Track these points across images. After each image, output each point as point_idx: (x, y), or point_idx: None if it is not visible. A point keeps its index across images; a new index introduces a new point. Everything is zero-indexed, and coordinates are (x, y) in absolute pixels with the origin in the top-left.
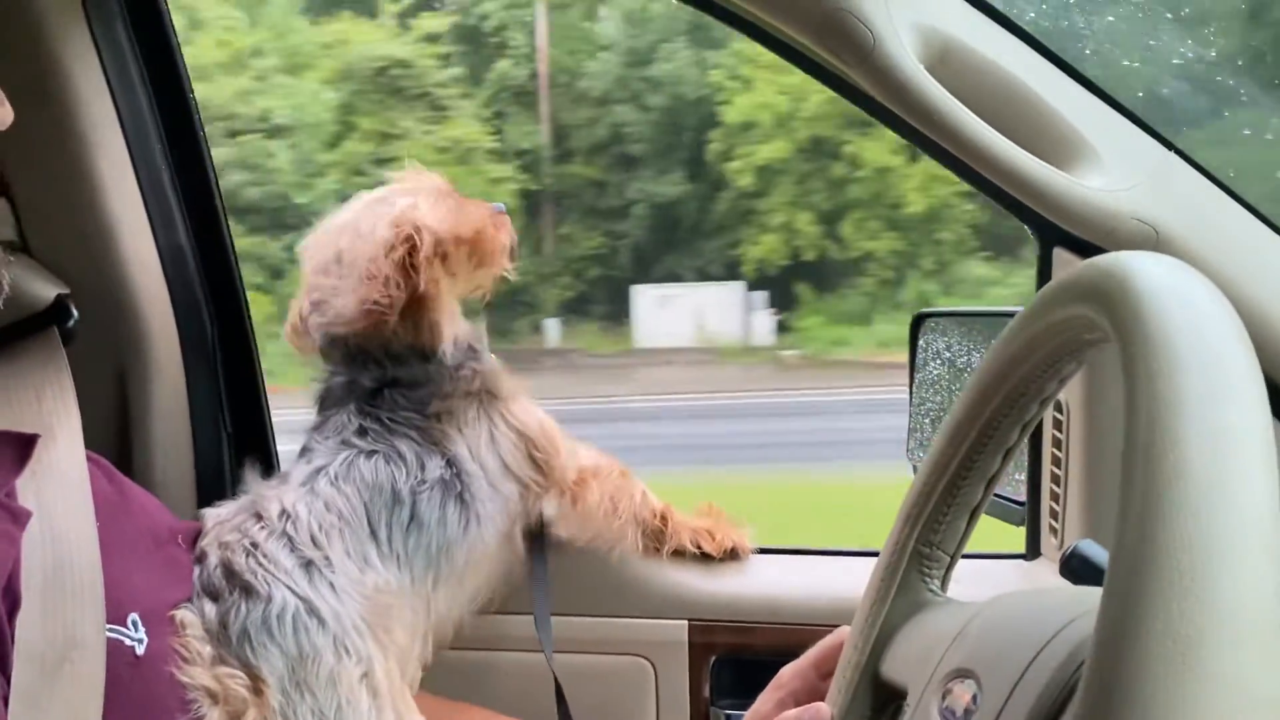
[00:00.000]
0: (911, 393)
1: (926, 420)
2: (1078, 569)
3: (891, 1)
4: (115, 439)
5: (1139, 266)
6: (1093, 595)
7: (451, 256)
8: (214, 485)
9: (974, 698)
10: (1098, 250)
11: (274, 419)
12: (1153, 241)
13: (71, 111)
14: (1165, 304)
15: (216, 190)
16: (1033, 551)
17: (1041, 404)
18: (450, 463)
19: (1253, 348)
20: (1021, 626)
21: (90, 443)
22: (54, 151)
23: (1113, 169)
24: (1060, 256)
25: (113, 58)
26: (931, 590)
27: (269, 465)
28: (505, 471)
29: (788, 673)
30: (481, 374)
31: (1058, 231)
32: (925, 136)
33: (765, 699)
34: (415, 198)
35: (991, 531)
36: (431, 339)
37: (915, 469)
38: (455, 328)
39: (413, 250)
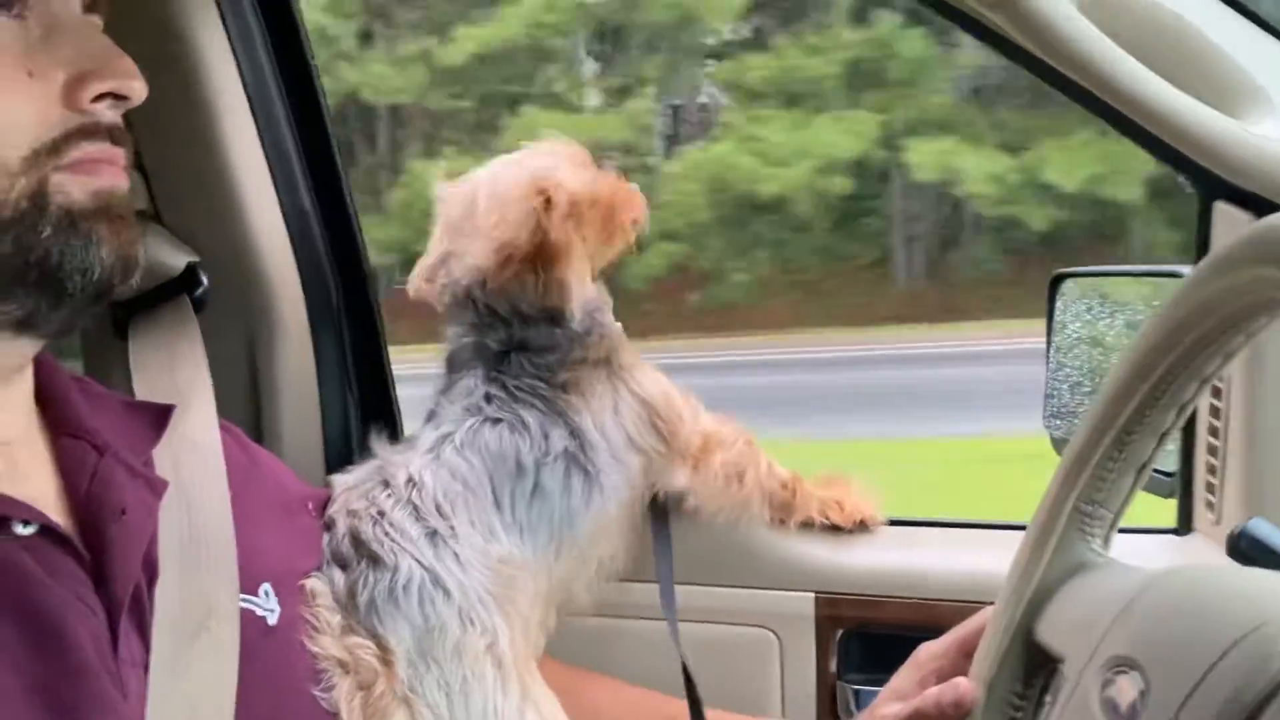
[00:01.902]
0: (1049, 357)
1: (1064, 387)
2: (1248, 550)
3: None
4: (245, 405)
5: None
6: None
7: (584, 218)
8: (341, 450)
9: (1141, 694)
10: (1267, 205)
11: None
12: None
13: (197, 78)
14: None
15: (337, 154)
16: (1185, 526)
17: (1225, 358)
18: (574, 434)
19: None
20: (1197, 619)
21: (220, 409)
22: (181, 119)
23: None
24: (1222, 211)
25: (237, 25)
26: (1093, 550)
27: (393, 429)
28: (629, 442)
29: (927, 652)
30: (608, 341)
31: (1220, 184)
32: (1075, 84)
33: (903, 677)
34: (554, 159)
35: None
36: (560, 298)
37: (1051, 438)
38: (584, 290)
39: (548, 203)
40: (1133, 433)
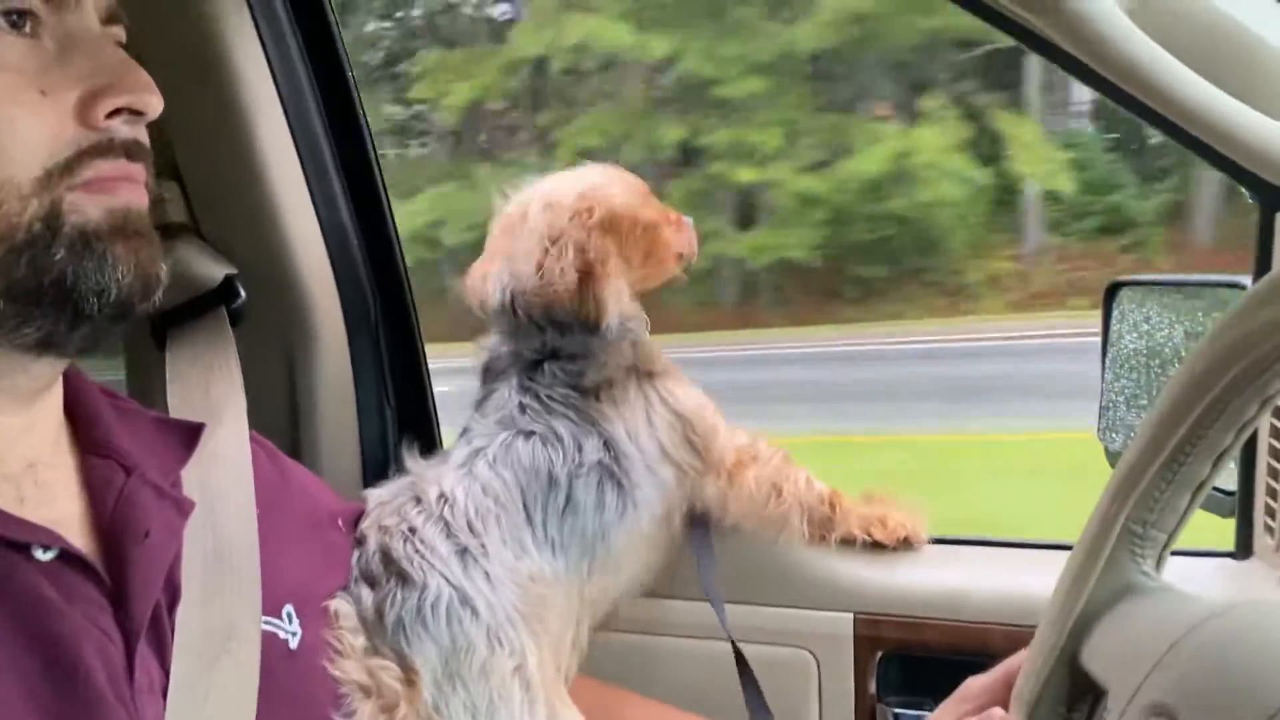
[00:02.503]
0: (1104, 368)
1: (1120, 399)
2: None
3: None
4: (282, 418)
5: None
6: None
7: (626, 236)
8: (379, 463)
9: None
10: None
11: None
12: None
13: (233, 90)
14: None
15: (376, 166)
16: (1244, 549)
17: None
18: (607, 445)
19: None
20: (1244, 677)
21: (257, 422)
22: (218, 131)
23: None
24: None
25: (271, 34)
26: (1144, 572)
27: (430, 442)
28: (662, 455)
29: (976, 685)
30: (639, 350)
31: None
32: (1124, 91)
33: (948, 710)
34: (609, 179)
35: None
36: (596, 312)
37: (1106, 450)
38: (620, 306)
39: (590, 214)
40: (1189, 452)
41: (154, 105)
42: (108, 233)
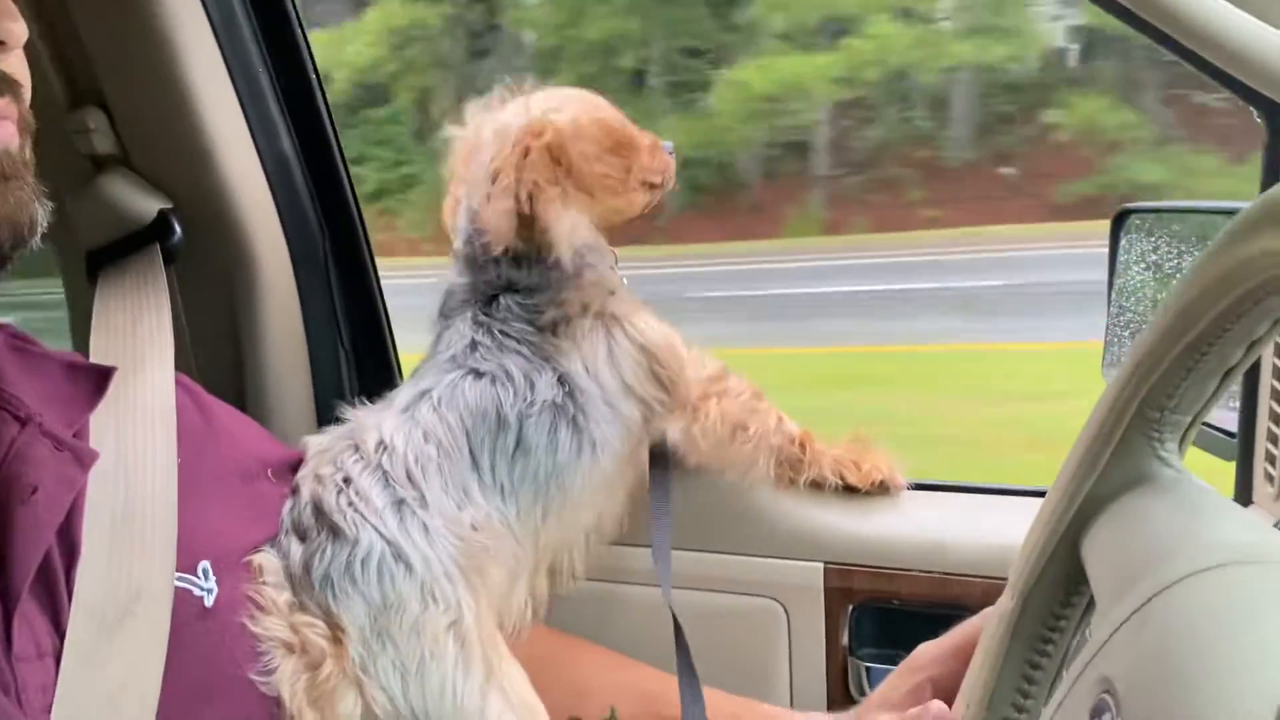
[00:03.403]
0: (1110, 299)
1: (1126, 333)
2: None
3: None
4: (227, 362)
5: None
6: None
7: (580, 166)
8: (334, 405)
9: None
10: None
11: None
12: None
13: (154, 11)
14: None
15: (320, 90)
16: (1243, 497)
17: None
18: (562, 380)
19: None
20: (1194, 682)
21: (201, 366)
22: (144, 56)
23: None
24: None
25: None
26: (1160, 456)
27: (390, 379)
28: (626, 390)
29: (926, 654)
30: (603, 285)
31: None
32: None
33: (896, 683)
34: (565, 101)
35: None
36: (546, 245)
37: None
38: (577, 236)
39: (531, 147)
40: (1220, 337)
41: (15, 34)
42: None
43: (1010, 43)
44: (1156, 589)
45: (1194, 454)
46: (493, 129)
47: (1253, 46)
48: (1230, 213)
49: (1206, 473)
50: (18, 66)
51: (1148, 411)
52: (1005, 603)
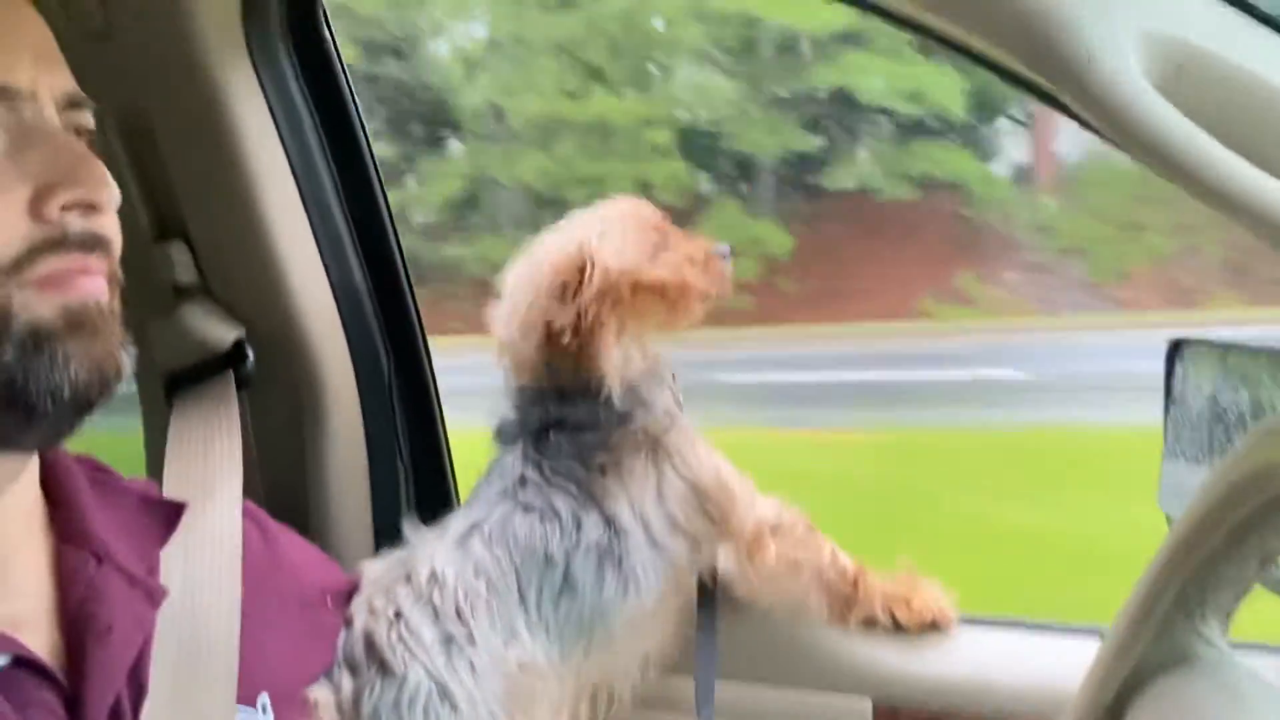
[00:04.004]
0: (1166, 430)
1: (1182, 463)
2: None
3: (1113, 5)
4: (292, 483)
5: None
6: None
7: (626, 301)
8: (392, 527)
9: None
10: None
11: None
12: None
13: (239, 151)
14: None
15: (390, 224)
16: None
17: None
18: (608, 522)
19: None
20: None
21: (264, 487)
22: (224, 191)
23: None
24: None
25: (278, 94)
26: (1201, 634)
27: (447, 503)
28: (672, 527)
29: None
30: (656, 419)
31: None
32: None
33: None
34: (609, 227)
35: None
36: (595, 374)
37: (1168, 519)
38: (625, 369)
39: (580, 283)
40: (1250, 531)
41: (107, 198)
42: (61, 330)
43: None
44: None
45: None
46: (529, 263)
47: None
48: None
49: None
50: (110, 226)
51: (1189, 592)
52: None
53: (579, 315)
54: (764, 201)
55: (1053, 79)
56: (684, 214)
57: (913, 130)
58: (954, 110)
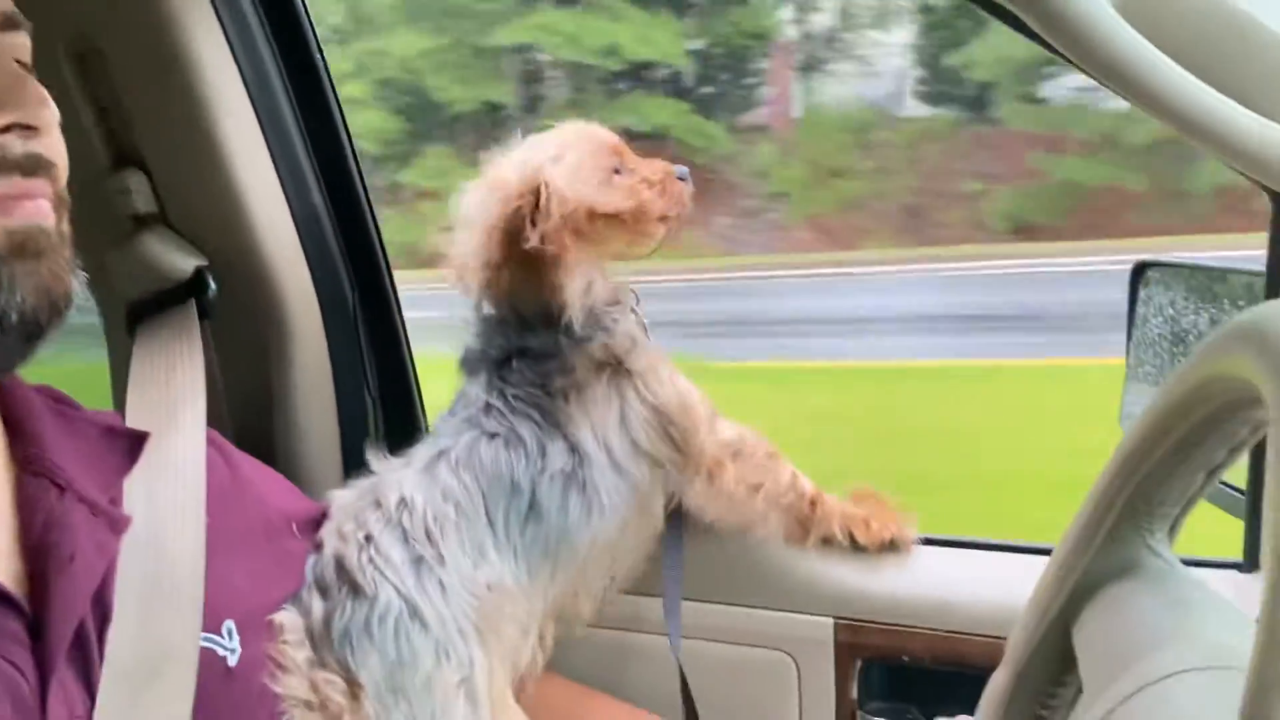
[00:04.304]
0: (1129, 351)
1: (1145, 385)
2: None
3: None
4: (258, 413)
5: None
6: None
7: (584, 226)
8: (360, 457)
9: None
10: None
11: None
12: None
13: (194, 77)
14: None
15: (350, 149)
16: (1251, 561)
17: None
18: (572, 449)
19: None
20: None
21: (232, 418)
22: (181, 119)
23: None
24: None
25: (232, 19)
26: (1149, 545)
27: (415, 428)
28: (635, 451)
29: None
30: (617, 345)
31: None
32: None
33: None
34: (563, 150)
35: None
36: (556, 301)
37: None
38: (586, 295)
39: (535, 209)
40: (1197, 443)
41: (45, 118)
42: (4, 254)
43: None
44: (1136, 687)
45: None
46: (485, 188)
47: (1242, 135)
48: (1244, 273)
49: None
50: (53, 147)
51: (1136, 504)
52: (1000, 677)
53: (539, 242)
54: (469, 150)
55: (1015, 1)
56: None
57: (622, 83)
58: (674, 64)
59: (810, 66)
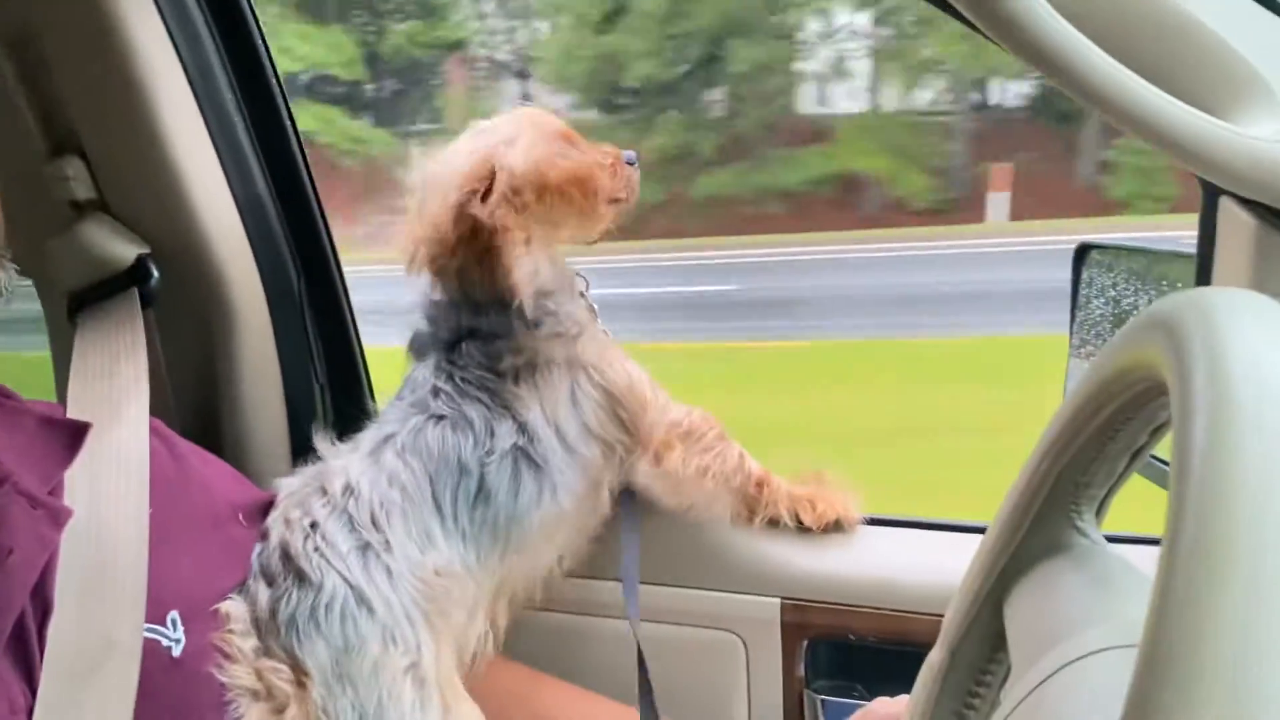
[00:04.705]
0: (1072, 331)
1: (1087, 365)
2: None
3: None
4: (205, 401)
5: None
6: None
7: (533, 205)
8: (309, 444)
9: None
10: (1269, 208)
11: None
12: None
13: (132, 64)
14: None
15: (294, 134)
16: None
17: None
18: (522, 429)
19: None
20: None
21: (177, 407)
22: (119, 104)
23: None
24: (1228, 209)
25: (171, 3)
26: (1077, 527)
27: (364, 413)
28: (586, 433)
29: (881, 710)
30: (567, 327)
31: None
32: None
33: None
34: (516, 132)
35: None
36: (505, 283)
37: None
38: (537, 277)
39: (488, 191)
40: (1120, 427)
41: None
42: None
43: None
44: (1058, 665)
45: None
46: (436, 169)
47: (1175, 126)
48: (1183, 256)
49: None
50: None
51: (1063, 485)
52: (936, 654)
53: (488, 220)
54: None
55: None
56: None
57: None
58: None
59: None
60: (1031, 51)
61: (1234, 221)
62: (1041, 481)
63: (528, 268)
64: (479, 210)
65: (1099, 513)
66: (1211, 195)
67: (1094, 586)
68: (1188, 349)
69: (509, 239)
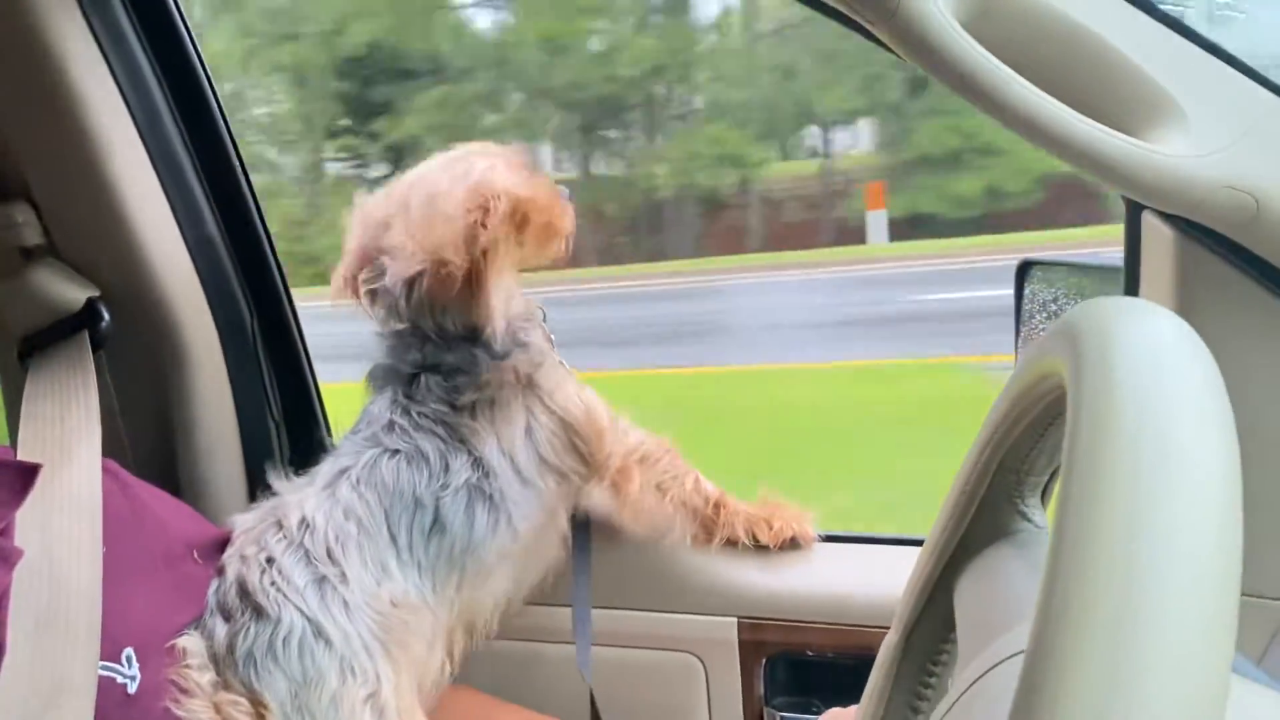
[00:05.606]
0: (1017, 347)
1: None
2: None
3: None
4: (160, 442)
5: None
6: None
7: (524, 226)
8: (266, 481)
9: None
10: (1190, 221)
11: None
12: (1251, 212)
13: (77, 109)
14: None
15: (242, 172)
16: None
17: None
18: (477, 463)
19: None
20: None
21: (131, 447)
22: (64, 150)
23: (1204, 129)
24: (1150, 223)
25: (114, 47)
26: (1021, 512)
27: (320, 447)
28: (542, 465)
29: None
30: (528, 359)
31: None
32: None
33: None
34: (494, 162)
35: None
36: (484, 315)
37: None
38: (509, 306)
39: (487, 213)
40: (1055, 418)
41: None
42: None
43: None
44: (995, 661)
45: None
46: (424, 192)
47: (1089, 144)
48: (1116, 269)
49: None
50: None
51: (1005, 473)
52: (891, 638)
53: (487, 244)
54: None
55: (868, 18)
56: None
57: None
58: None
59: None
60: (955, 78)
61: (1156, 235)
62: (985, 469)
63: (502, 295)
64: (482, 234)
65: (1044, 497)
66: (1135, 211)
67: (1036, 574)
68: (1080, 354)
69: (495, 265)
